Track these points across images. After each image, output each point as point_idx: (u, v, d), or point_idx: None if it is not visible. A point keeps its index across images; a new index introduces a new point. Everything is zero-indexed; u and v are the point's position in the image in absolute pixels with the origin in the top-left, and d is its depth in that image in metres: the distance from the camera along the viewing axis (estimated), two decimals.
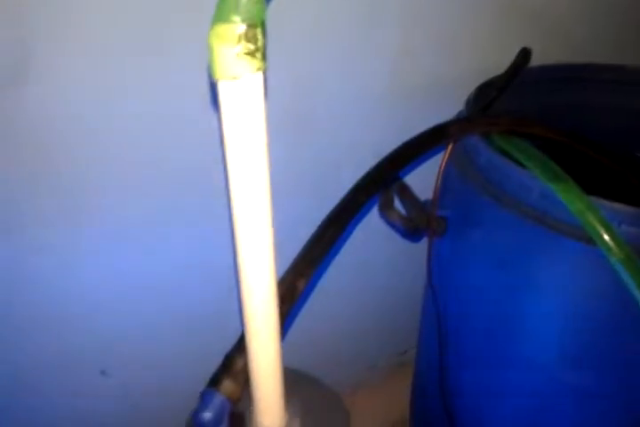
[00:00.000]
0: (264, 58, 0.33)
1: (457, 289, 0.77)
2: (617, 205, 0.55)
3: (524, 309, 0.68)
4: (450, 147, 0.67)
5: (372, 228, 0.94)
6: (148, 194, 0.71)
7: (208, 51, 0.33)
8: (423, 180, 0.74)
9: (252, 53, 0.31)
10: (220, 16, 0.31)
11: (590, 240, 0.56)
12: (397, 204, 0.69)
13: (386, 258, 1.00)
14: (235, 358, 0.40)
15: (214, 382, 0.39)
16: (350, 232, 0.89)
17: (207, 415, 0.37)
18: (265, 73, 0.34)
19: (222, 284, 0.82)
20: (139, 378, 0.90)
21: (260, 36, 0.31)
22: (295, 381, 0.43)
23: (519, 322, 0.70)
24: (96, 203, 0.68)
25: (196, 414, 0.37)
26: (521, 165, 0.62)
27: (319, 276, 0.93)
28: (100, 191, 0.68)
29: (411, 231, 0.68)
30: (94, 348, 0.84)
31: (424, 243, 0.75)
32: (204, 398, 0.38)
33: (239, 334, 0.42)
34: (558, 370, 0.69)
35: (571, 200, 0.56)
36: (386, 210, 0.67)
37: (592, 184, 0.62)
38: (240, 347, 0.40)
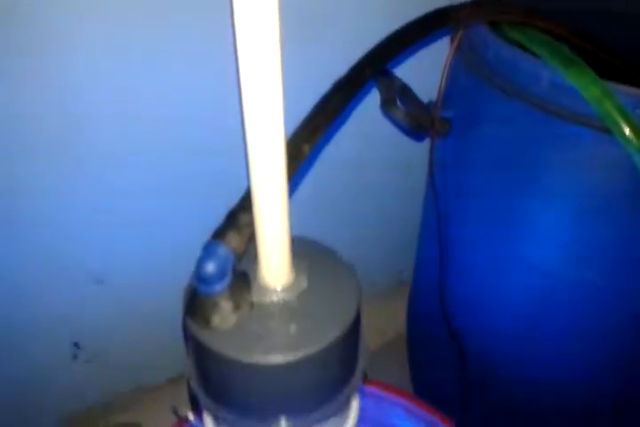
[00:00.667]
0: None
1: (459, 192, 0.76)
2: (635, 90, 0.53)
3: (531, 207, 0.67)
4: (457, 38, 0.65)
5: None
6: None
7: None
8: (425, 81, 0.72)
9: None
10: None
11: (605, 129, 0.53)
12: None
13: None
14: (239, 214, 0.38)
15: (218, 234, 0.37)
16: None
17: (211, 267, 0.36)
18: None
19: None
20: (133, 286, 0.90)
21: None
22: (305, 246, 0.42)
23: (525, 221, 0.69)
24: None
25: (199, 265, 0.36)
26: (531, 55, 0.60)
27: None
28: None
29: (414, 129, 0.66)
30: (89, 258, 0.85)
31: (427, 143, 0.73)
32: (208, 250, 0.37)
33: None
34: (564, 269, 0.69)
35: (585, 86, 0.53)
36: (388, 107, 0.65)
37: None
38: (245, 204, 0.38)
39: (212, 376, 0.39)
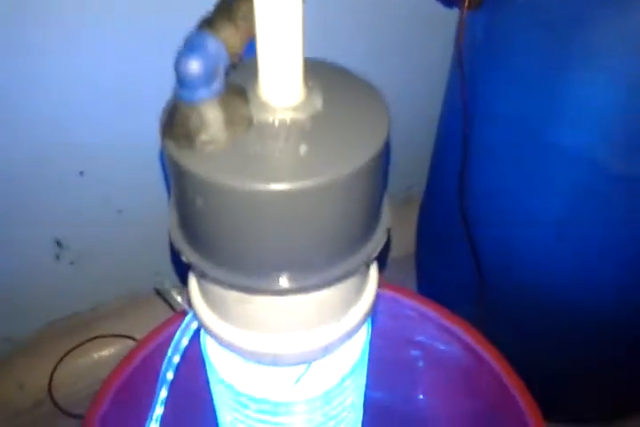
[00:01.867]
0: None
1: (491, 66, 0.66)
2: None
3: (577, 81, 0.57)
4: None
5: None
6: None
7: None
8: None
9: None
10: None
11: None
12: None
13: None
14: (235, 3, 0.28)
15: (206, 23, 0.28)
16: None
17: (195, 64, 0.26)
18: None
19: None
20: (115, 178, 0.82)
21: None
22: (317, 65, 0.32)
23: (568, 102, 0.59)
24: None
25: (179, 62, 0.26)
26: None
27: None
28: None
29: None
30: (72, 150, 0.78)
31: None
32: (192, 42, 0.27)
33: None
34: (608, 161, 0.60)
35: None
36: None
37: None
38: None
39: (197, 218, 0.30)
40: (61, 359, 0.95)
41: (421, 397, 0.75)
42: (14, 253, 0.85)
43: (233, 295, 0.33)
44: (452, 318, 0.68)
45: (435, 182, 0.88)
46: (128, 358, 0.62)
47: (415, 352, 0.71)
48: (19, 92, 0.70)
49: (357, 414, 0.49)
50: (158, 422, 0.46)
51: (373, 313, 0.41)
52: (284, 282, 0.31)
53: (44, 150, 0.77)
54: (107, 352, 0.99)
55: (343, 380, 0.42)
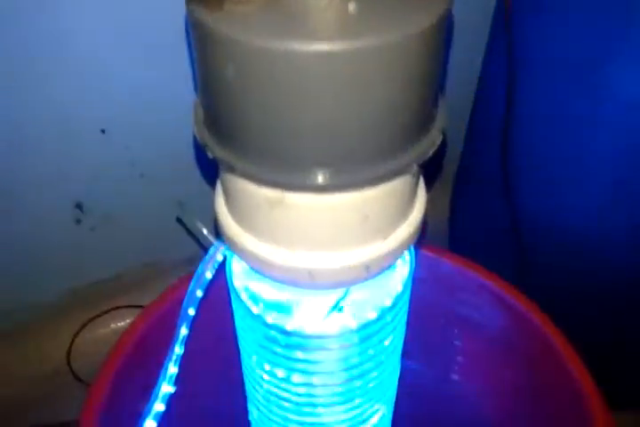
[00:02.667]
0: None
1: (538, 18, 0.61)
2: None
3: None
4: None
5: None
6: None
7: None
8: None
9: None
10: None
11: None
12: None
13: None
14: None
15: None
16: None
17: None
18: None
19: None
20: (138, 137, 0.78)
21: None
22: None
23: (625, 45, 0.55)
24: None
25: None
26: None
27: None
28: None
29: None
30: (94, 107, 0.75)
31: None
32: None
33: None
34: None
35: None
36: None
37: None
38: None
39: (226, 96, 0.26)
40: (81, 329, 0.92)
41: (458, 368, 0.71)
42: (34, 218, 0.82)
43: (264, 198, 0.29)
44: (493, 277, 0.63)
45: (475, 139, 0.83)
46: (143, 316, 0.59)
47: (454, 317, 0.66)
48: (39, 45, 0.67)
49: (395, 366, 0.45)
50: (177, 364, 0.42)
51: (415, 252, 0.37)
52: (322, 176, 0.27)
53: (64, 108, 0.74)
54: (127, 323, 0.96)
55: (383, 314, 0.38)
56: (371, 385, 0.42)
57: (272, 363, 0.40)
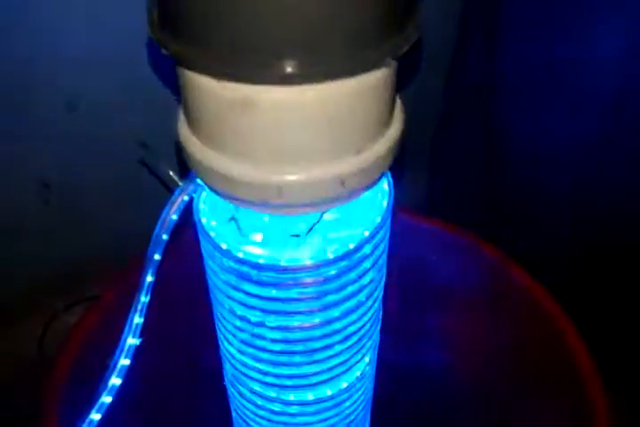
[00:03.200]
0: None
1: None
2: None
3: None
4: None
5: None
6: None
7: None
8: None
9: None
10: None
11: None
12: None
13: None
14: None
15: None
16: None
17: None
18: None
19: None
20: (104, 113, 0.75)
21: None
22: None
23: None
24: None
25: None
26: None
27: None
28: None
29: None
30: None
31: None
32: None
33: None
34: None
35: None
36: None
37: None
38: None
39: None
40: (52, 319, 0.88)
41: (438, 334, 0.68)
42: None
43: (226, 100, 0.27)
44: (473, 236, 0.61)
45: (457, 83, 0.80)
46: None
47: (433, 279, 0.64)
48: None
49: (376, 311, 0.43)
50: (142, 315, 0.40)
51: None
52: (290, 65, 0.25)
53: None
54: None
55: (361, 244, 0.35)
56: (351, 329, 0.40)
57: (245, 306, 0.38)
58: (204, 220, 0.37)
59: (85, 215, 0.87)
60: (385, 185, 0.37)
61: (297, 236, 0.34)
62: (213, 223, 0.37)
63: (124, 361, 0.40)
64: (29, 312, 0.92)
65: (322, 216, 0.33)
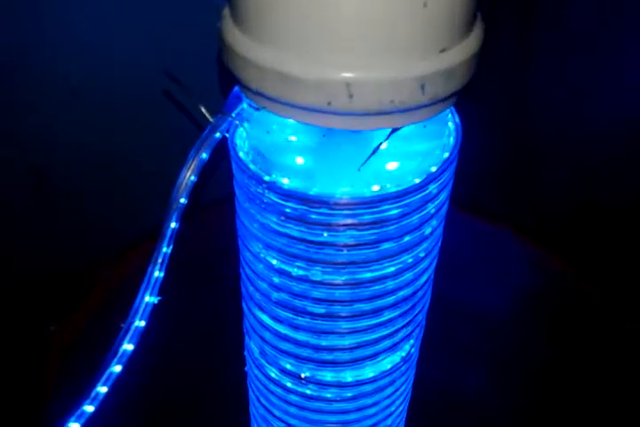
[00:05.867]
0: None
1: None
2: None
3: None
4: None
5: None
6: None
7: None
8: None
9: None
10: None
11: None
12: None
13: None
14: None
15: None
16: None
17: None
18: None
19: None
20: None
21: None
22: None
23: None
24: None
25: None
26: None
27: None
28: None
29: None
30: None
31: None
32: None
33: None
34: None
35: None
36: None
37: None
38: None
39: None
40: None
41: None
42: None
43: None
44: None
45: None
46: None
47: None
48: None
49: (428, 278, 0.37)
50: (162, 268, 0.34)
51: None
52: None
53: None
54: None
55: (427, 181, 0.30)
56: (404, 292, 0.34)
57: (287, 257, 0.32)
58: (241, 154, 0.32)
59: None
60: (450, 124, 0.33)
61: (356, 163, 0.29)
62: (251, 157, 0.32)
63: (140, 323, 0.34)
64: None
65: (388, 137, 0.28)
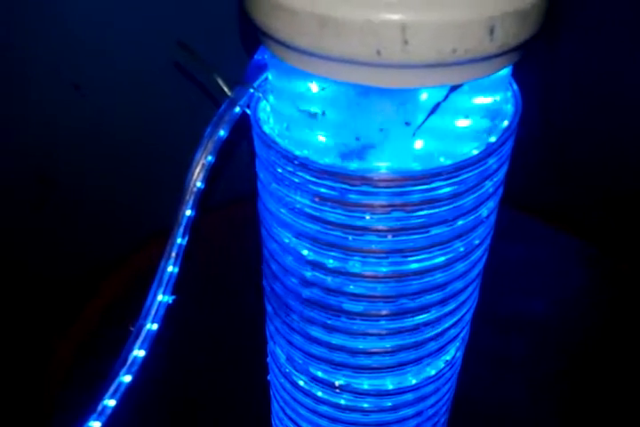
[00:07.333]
0: None
1: None
2: None
3: None
4: None
5: None
6: None
7: None
8: None
9: None
10: None
11: None
12: None
13: None
14: None
15: None
16: None
17: None
18: None
19: None
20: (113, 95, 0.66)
21: None
22: None
23: None
24: None
25: None
26: None
27: None
28: None
29: None
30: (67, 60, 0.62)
31: None
32: None
33: None
34: None
35: None
36: None
37: None
38: None
39: None
40: None
41: None
42: None
43: None
44: None
45: None
46: None
47: None
48: None
49: (477, 274, 0.33)
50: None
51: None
52: None
53: None
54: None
55: (486, 152, 0.26)
56: (453, 286, 0.30)
57: (321, 246, 0.28)
58: (266, 129, 0.28)
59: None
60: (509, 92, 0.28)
61: (403, 132, 0.25)
62: (277, 131, 0.27)
63: (153, 326, 0.30)
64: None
65: (447, 96, 0.24)
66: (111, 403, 0.30)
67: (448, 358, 0.35)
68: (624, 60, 0.60)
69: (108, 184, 0.74)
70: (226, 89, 0.31)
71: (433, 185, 0.25)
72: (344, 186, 0.25)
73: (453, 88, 0.23)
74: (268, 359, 0.38)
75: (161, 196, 0.66)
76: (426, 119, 0.24)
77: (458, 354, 0.36)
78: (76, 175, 0.74)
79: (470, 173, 0.26)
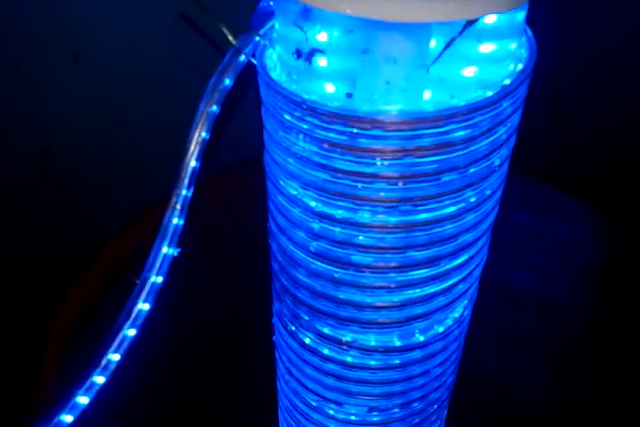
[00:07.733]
0: None
1: None
2: None
3: None
4: None
5: None
6: None
7: None
8: None
9: None
10: None
11: None
12: None
13: None
14: None
15: None
16: None
17: None
18: None
19: None
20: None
21: None
22: None
23: None
24: None
25: None
26: None
27: None
28: None
29: None
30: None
31: None
32: None
33: None
34: None
35: None
36: None
37: None
38: None
39: None
40: None
41: None
42: None
43: None
44: None
45: None
46: None
47: None
48: None
49: (489, 232, 0.32)
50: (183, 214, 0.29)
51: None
52: None
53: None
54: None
55: (499, 95, 0.25)
56: (464, 239, 0.29)
57: (328, 195, 0.27)
58: (273, 75, 0.27)
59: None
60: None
61: (414, 71, 0.24)
62: (285, 78, 0.27)
63: (157, 278, 0.29)
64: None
65: (463, 31, 0.23)
66: (115, 357, 0.29)
67: (456, 315, 0.34)
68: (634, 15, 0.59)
69: (108, 154, 0.74)
70: (231, 38, 0.30)
71: (446, 128, 0.25)
72: (354, 130, 0.25)
73: (468, 23, 0.22)
74: (274, 319, 0.37)
75: (163, 167, 0.65)
76: (442, 52, 0.23)
77: (466, 313, 0.35)
78: (76, 147, 0.73)
79: (484, 116, 0.25)
